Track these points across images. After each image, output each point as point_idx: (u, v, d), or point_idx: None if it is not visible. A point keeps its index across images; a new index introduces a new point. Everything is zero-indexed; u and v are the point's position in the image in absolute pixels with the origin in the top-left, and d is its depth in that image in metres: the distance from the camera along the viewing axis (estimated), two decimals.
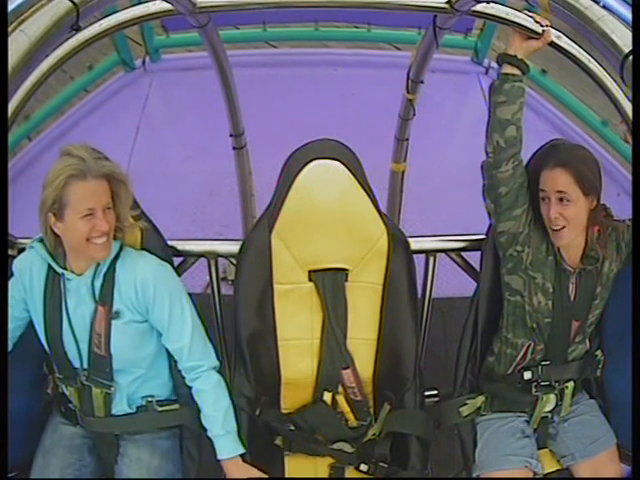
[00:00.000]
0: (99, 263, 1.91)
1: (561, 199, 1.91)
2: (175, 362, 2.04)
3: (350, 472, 2.24)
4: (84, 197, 1.78)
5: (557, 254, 2.02)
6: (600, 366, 2.18)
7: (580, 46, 2.02)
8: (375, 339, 2.23)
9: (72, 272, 1.91)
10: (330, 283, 2.17)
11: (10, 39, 1.37)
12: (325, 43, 5.46)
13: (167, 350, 2.05)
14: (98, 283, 1.92)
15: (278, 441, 2.24)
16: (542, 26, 1.85)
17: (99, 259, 1.88)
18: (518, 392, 2.17)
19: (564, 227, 1.93)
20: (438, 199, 4.15)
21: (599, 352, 2.17)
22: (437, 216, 3.97)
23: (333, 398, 2.25)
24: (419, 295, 2.27)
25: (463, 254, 2.42)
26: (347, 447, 2.24)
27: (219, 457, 2.00)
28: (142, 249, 2.04)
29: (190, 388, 2.03)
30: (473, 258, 2.35)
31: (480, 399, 2.20)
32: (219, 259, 2.38)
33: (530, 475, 2.10)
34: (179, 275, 2.12)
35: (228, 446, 2.00)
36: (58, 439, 2.08)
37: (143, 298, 1.93)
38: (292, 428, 2.23)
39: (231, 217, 3.68)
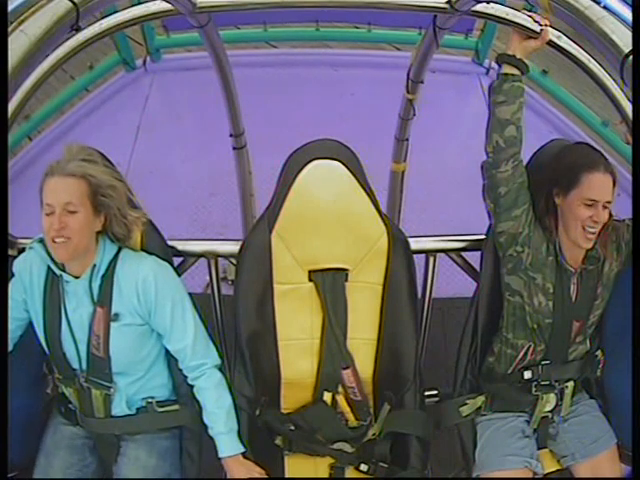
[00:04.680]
0: (95, 264, 1.91)
1: (606, 204, 1.93)
2: (175, 362, 2.05)
3: (350, 472, 2.24)
4: (46, 193, 1.81)
5: (557, 254, 2.02)
6: (600, 366, 2.18)
7: (580, 46, 2.02)
8: (375, 339, 2.23)
9: (70, 274, 1.91)
10: (330, 283, 2.17)
11: (10, 39, 1.37)
12: (326, 43, 5.46)
13: (166, 351, 2.05)
14: (96, 285, 1.92)
15: (278, 441, 2.24)
16: (540, 25, 1.85)
17: (59, 259, 1.86)
18: (518, 392, 2.17)
19: (595, 230, 1.95)
20: (438, 199, 4.15)
21: (599, 352, 2.17)
22: (437, 216, 3.97)
23: (333, 398, 2.24)
24: (419, 295, 2.27)
25: (463, 254, 2.42)
26: (347, 447, 2.24)
27: (220, 455, 2.00)
28: (142, 249, 2.04)
29: (191, 387, 2.04)
30: (473, 258, 2.35)
31: (480, 399, 2.20)
32: (219, 259, 2.38)
33: (530, 475, 2.10)
34: (179, 275, 2.12)
35: (230, 444, 2.00)
36: (59, 439, 2.08)
37: (145, 302, 1.93)
38: (292, 428, 2.23)
39: (231, 217, 3.69)
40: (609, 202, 1.93)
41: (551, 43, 1.94)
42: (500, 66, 1.92)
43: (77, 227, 1.81)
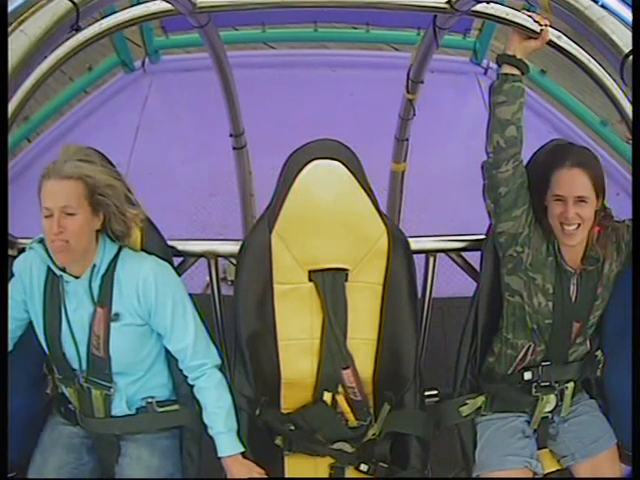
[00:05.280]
0: (95, 264, 1.91)
1: (579, 200, 1.92)
2: (175, 362, 2.05)
3: (350, 472, 2.24)
4: (44, 196, 1.81)
5: (557, 255, 2.02)
6: (600, 366, 2.18)
7: (580, 46, 2.02)
8: (375, 339, 2.23)
9: (70, 274, 1.91)
10: (330, 283, 2.17)
11: (10, 39, 1.37)
12: (324, 44, 5.46)
13: (166, 351, 2.05)
14: (96, 285, 1.92)
15: (278, 441, 2.24)
16: (540, 25, 1.85)
17: (60, 263, 1.87)
18: (518, 392, 2.17)
19: (578, 226, 1.94)
20: (438, 199, 4.15)
21: (599, 352, 2.17)
22: (437, 216, 3.96)
23: (333, 398, 2.24)
24: (419, 295, 2.27)
25: (463, 254, 2.42)
26: (347, 447, 2.24)
27: (220, 455, 2.00)
28: (142, 249, 2.04)
29: (191, 387, 2.04)
30: (473, 258, 2.35)
31: (480, 399, 2.20)
32: (219, 259, 2.38)
33: (530, 475, 2.10)
34: (179, 275, 2.11)
35: (230, 444, 2.01)
36: (57, 438, 2.08)
37: (145, 303, 1.93)
38: (292, 428, 2.23)
39: (231, 217, 3.69)
40: (580, 197, 1.92)
41: (551, 43, 1.95)
42: (500, 66, 1.92)
43: (76, 229, 1.81)
